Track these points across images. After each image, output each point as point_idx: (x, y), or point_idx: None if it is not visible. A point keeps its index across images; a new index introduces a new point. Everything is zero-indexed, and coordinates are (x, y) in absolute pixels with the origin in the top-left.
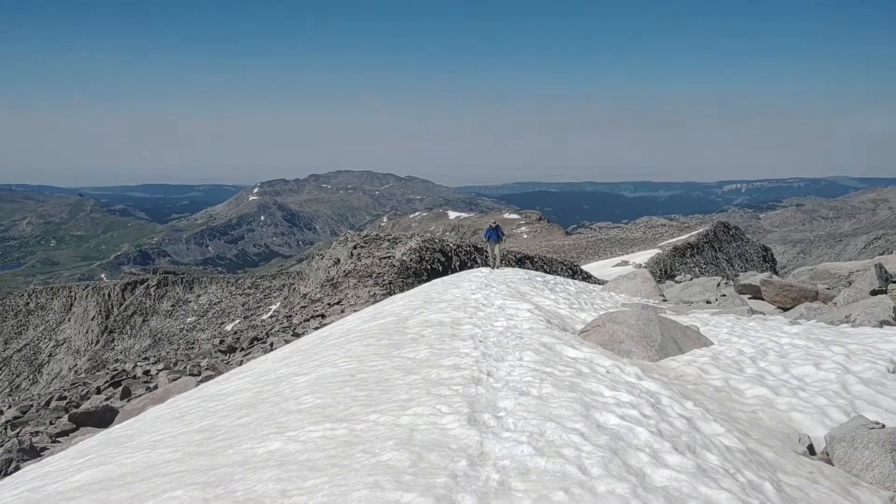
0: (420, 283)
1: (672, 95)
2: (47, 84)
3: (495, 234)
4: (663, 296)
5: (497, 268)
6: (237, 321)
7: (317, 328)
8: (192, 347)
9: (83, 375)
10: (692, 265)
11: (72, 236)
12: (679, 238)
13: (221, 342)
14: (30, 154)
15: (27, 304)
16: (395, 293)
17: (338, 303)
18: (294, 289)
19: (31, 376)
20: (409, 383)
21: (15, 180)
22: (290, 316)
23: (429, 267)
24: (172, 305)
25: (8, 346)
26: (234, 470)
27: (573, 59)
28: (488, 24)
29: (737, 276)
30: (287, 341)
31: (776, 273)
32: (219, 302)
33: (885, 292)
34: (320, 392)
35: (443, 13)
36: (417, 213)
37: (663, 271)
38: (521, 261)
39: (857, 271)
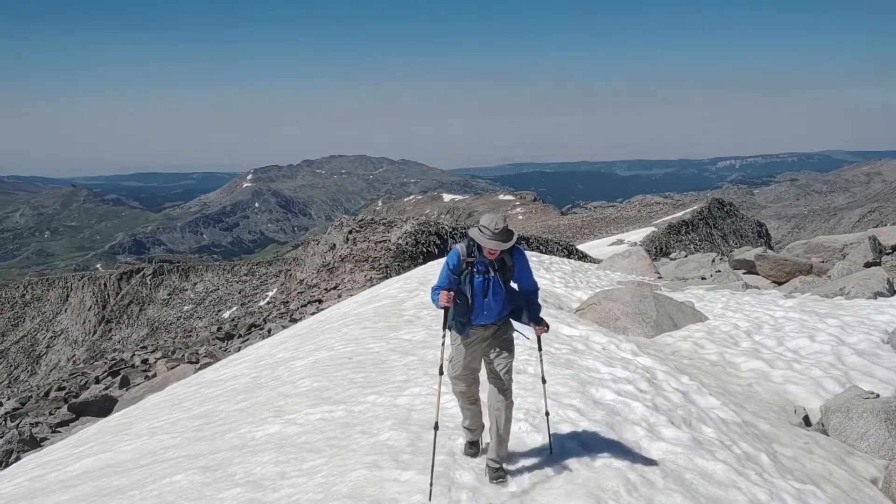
0: (416, 265)
1: (664, 72)
2: (36, 74)
3: (484, 271)
4: (658, 273)
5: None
6: (234, 308)
7: (314, 313)
8: (190, 335)
9: (81, 365)
10: (687, 242)
11: (66, 227)
12: (674, 216)
13: (219, 329)
14: (21, 145)
15: (23, 295)
16: (391, 276)
17: (334, 287)
18: (290, 275)
19: (29, 368)
20: (406, 364)
21: (6, 171)
22: (288, 302)
23: (424, 250)
24: (169, 294)
25: (5, 338)
26: (232, 454)
27: (565, 37)
28: (477, 5)
29: (731, 252)
30: (285, 327)
31: (771, 248)
32: (215, 289)
33: (878, 264)
34: (318, 375)
35: None
36: (412, 197)
37: (659, 249)
38: (516, 242)
39: (851, 244)
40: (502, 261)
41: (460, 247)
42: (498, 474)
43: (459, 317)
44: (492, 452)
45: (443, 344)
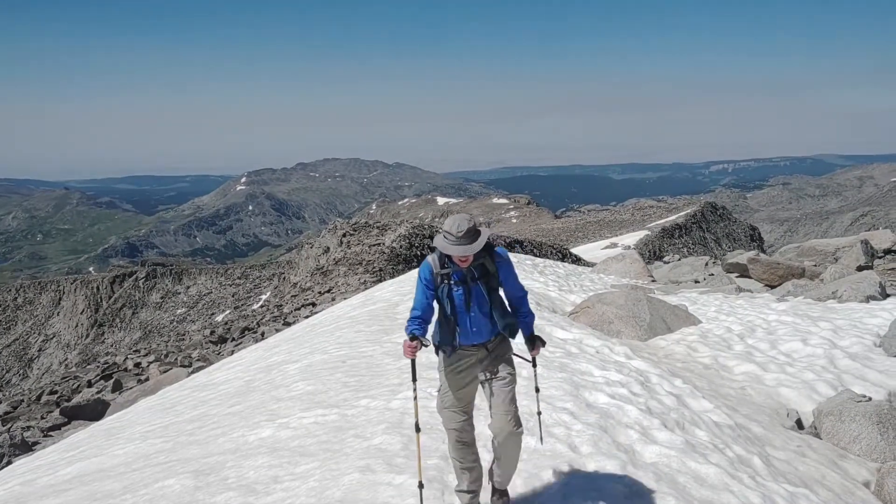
0: (410, 269)
1: (658, 76)
2: (28, 77)
3: (462, 281)
4: (652, 276)
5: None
6: (227, 312)
7: (307, 316)
8: (183, 339)
9: (74, 369)
10: (680, 246)
11: (58, 230)
12: (667, 219)
13: (212, 333)
14: (13, 147)
15: (15, 299)
16: (385, 280)
17: (328, 291)
18: (284, 278)
19: (21, 371)
20: (399, 368)
21: None
22: (281, 305)
23: (418, 253)
24: (162, 297)
25: None
26: (225, 458)
27: (560, 40)
28: (471, 8)
29: (725, 255)
30: (278, 330)
31: (763, 252)
32: (209, 293)
33: (871, 268)
34: (311, 379)
35: None
36: (406, 200)
37: (652, 252)
38: (511, 245)
39: (844, 248)
40: (483, 267)
41: (432, 258)
42: (503, 500)
43: (445, 339)
44: (496, 477)
45: (415, 398)
